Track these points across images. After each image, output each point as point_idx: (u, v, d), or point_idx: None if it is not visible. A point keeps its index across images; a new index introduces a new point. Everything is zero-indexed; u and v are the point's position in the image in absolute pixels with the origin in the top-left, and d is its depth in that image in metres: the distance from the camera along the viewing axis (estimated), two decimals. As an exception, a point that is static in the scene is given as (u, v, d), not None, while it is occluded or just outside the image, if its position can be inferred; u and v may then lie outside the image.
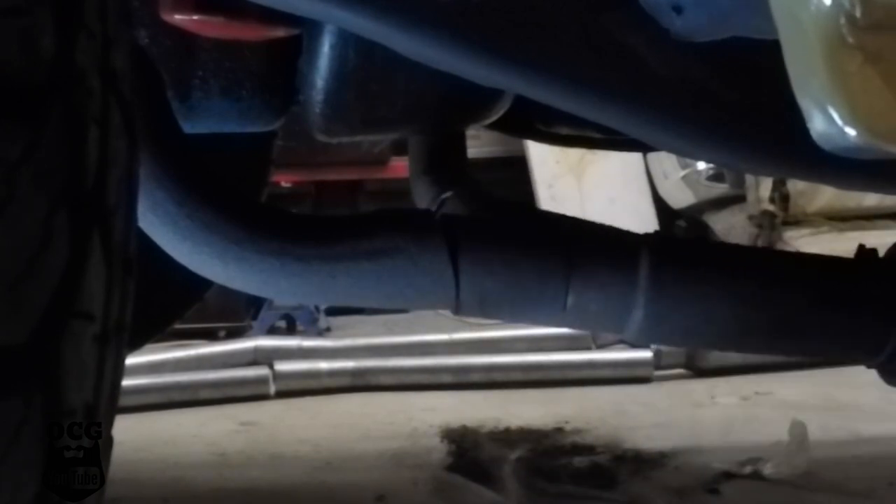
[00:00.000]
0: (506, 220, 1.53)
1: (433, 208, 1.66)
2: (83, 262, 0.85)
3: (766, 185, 4.18)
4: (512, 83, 1.18)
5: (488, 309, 1.32)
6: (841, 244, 2.74)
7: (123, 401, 1.06)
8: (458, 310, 1.32)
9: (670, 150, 1.23)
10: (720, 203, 4.51)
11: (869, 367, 1.37)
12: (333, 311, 4.11)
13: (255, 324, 4.06)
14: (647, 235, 1.35)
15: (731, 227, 4.38)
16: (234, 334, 3.91)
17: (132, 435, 2.59)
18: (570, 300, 1.29)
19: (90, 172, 0.86)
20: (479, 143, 4.26)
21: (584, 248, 1.30)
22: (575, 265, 1.28)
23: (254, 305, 4.04)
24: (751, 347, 1.45)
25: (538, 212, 1.47)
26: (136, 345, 1.54)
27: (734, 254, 1.46)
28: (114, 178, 0.90)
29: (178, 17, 1.22)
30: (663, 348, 3.62)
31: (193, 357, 3.58)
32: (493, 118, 1.53)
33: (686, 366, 3.65)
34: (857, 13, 0.70)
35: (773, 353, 1.45)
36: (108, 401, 0.92)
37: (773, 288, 1.32)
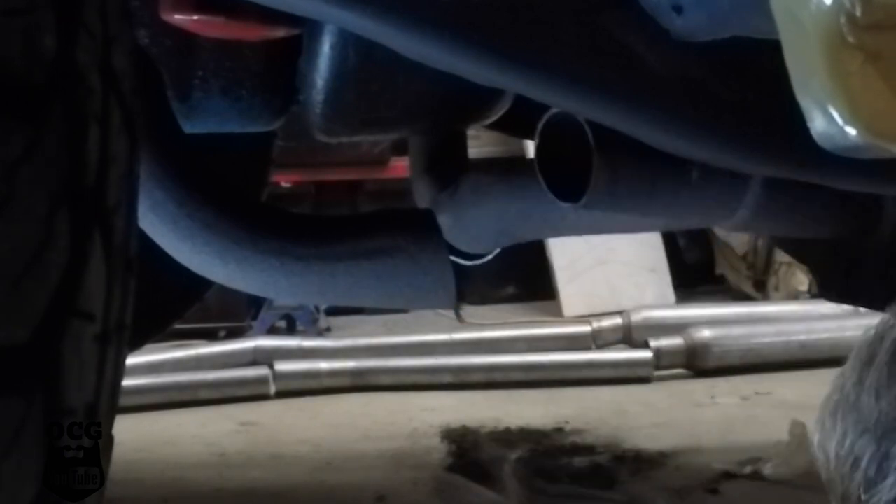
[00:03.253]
0: None
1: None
2: (84, 261, 0.85)
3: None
4: (512, 83, 1.18)
5: (619, 193, 1.37)
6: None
7: (123, 401, 1.06)
8: (585, 205, 1.38)
9: (670, 149, 1.23)
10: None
11: None
12: (333, 311, 4.10)
13: (255, 324, 4.05)
14: None
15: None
16: (234, 334, 3.90)
17: (132, 435, 2.59)
18: (696, 173, 1.38)
19: (91, 171, 0.86)
20: (479, 143, 4.24)
21: None
22: None
23: (254, 305, 4.03)
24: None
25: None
26: (136, 345, 1.54)
27: None
28: (114, 177, 0.90)
29: (178, 17, 1.22)
30: (663, 348, 3.61)
31: (193, 357, 3.57)
32: (493, 118, 1.53)
33: (686, 366, 3.65)
34: (858, 12, 0.70)
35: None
36: (108, 401, 0.92)
37: None
